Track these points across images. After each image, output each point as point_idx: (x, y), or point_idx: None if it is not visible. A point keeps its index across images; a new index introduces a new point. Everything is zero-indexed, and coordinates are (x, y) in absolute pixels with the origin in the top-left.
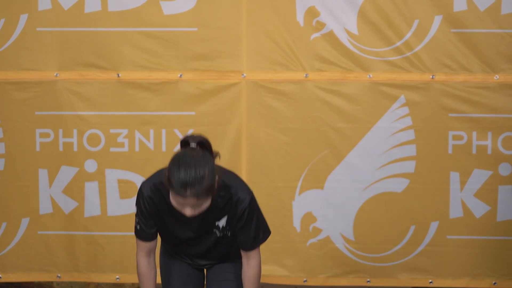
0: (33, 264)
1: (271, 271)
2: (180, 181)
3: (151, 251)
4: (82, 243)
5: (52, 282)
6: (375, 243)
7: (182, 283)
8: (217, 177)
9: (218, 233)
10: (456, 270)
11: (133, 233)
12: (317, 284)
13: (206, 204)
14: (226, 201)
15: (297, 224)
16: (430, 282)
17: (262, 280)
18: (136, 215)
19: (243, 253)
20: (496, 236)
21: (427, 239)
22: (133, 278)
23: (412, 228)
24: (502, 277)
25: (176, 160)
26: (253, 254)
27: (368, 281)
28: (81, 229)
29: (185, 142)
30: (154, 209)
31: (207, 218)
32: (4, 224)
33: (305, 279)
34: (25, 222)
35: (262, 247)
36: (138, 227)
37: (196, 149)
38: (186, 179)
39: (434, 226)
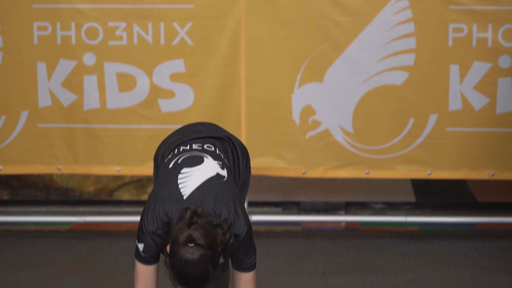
0: (33, 156)
1: (271, 163)
2: (185, 286)
3: None
4: (81, 135)
5: (52, 175)
6: (374, 135)
7: None
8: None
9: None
10: (455, 162)
11: (132, 126)
12: (316, 176)
13: None
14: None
15: (296, 117)
16: (429, 174)
17: (262, 172)
18: (139, 227)
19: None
20: (495, 128)
21: (426, 131)
22: (133, 170)
23: (411, 120)
24: (501, 169)
25: (177, 268)
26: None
27: (367, 173)
28: (81, 122)
29: (186, 238)
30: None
31: None
32: (3, 117)
33: (304, 171)
34: (24, 115)
35: (261, 139)
36: (138, 247)
37: (194, 251)
38: (190, 285)
39: (433, 118)
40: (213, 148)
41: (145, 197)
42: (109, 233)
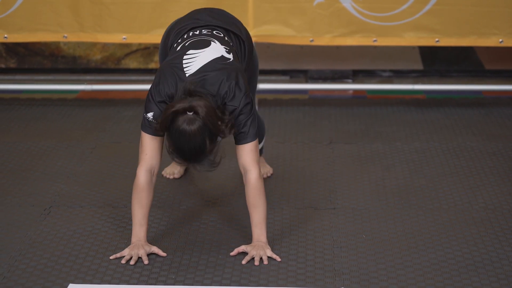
0: (38, 24)
1: (278, 31)
2: (181, 157)
3: (154, 169)
4: (87, 2)
5: (59, 43)
6: (382, 2)
7: None
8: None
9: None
10: (463, 28)
11: None
12: (323, 44)
13: None
14: None
15: None
16: (437, 41)
17: (269, 40)
18: (147, 99)
19: (241, 169)
20: None
21: None
22: (139, 38)
23: None
24: (509, 35)
25: (175, 138)
26: (250, 165)
27: (375, 41)
28: None
29: (178, 111)
30: None
31: None
32: None
33: (311, 39)
34: None
35: (268, 6)
36: (147, 117)
37: (192, 120)
38: (186, 156)
39: None
40: (222, 35)
41: (152, 65)
42: (116, 101)
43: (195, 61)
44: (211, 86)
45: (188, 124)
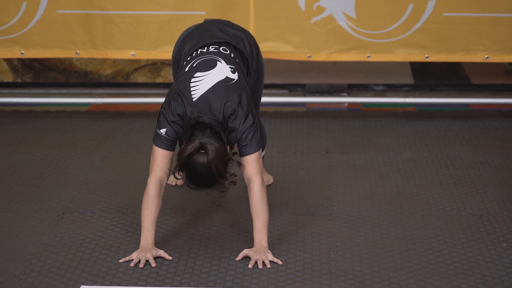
0: (53, 41)
1: (277, 47)
2: (195, 186)
3: (163, 180)
4: (98, 21)
5: (72, 59)
6: (376, 20)
7: None
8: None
9: None
10: (451, 45)
11: (147, 12)
12: (320, 60)
13: None
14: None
15: (301, 3)
16: (426, 57)
17: (270, 56)
18: (160, 117)
19: (245, 179)
20: (490, 13)
21: (425, 16)
22: (147, 55)
23: (411, 6)
24: (494, 52)
25: (190, 172)
26: (253, 175)
27: (368, 57)
28: (97, 8)
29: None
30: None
31: None
32: (24, 4)
33: (309, 55)
34: (44, 1)
35: (269, 24)
36: (159, 133)
37: (203, 156)
38: (200, 185)
39: (431, 4)
40: (228, 51)
41: (159, 80)
42: (126, 113)
43: (201, 84)
44: (216, 111)
45: (200, 162)
